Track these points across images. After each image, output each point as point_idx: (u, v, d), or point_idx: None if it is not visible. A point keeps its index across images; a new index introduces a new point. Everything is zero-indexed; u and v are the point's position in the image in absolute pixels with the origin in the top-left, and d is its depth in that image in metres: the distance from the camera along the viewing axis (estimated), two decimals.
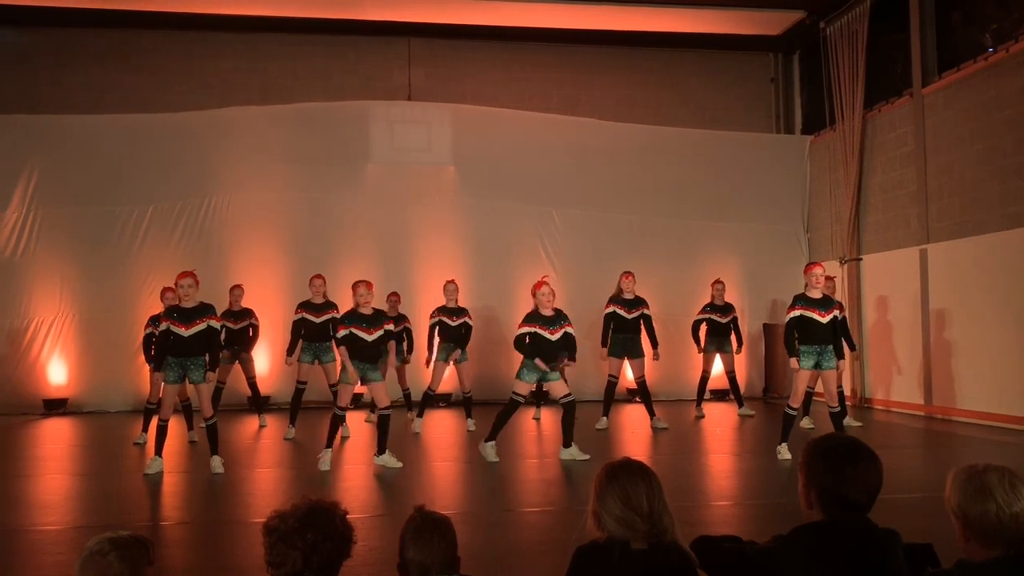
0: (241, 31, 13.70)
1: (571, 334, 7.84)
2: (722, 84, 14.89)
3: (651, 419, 9.96)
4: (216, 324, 7.64)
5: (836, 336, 7.90)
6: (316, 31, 13.83)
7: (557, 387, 7.83)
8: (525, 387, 7.86)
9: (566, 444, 7.75)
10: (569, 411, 7.72)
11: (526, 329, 7.80)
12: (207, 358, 7.51)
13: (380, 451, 7.56)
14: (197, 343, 7.44)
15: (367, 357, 7.66)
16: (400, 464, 7.52)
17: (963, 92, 10.66)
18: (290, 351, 9.69)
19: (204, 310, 7.52)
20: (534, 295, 7.87)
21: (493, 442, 7.75)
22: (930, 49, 11.46)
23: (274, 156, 12.89)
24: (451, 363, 9.90)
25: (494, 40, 14.17)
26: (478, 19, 13.60)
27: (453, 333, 9.96)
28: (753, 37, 14.57)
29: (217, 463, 7.39)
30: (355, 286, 7.79)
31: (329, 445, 7.60)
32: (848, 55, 12.60)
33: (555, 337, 7.70)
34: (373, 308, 7.83)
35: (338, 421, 7.80)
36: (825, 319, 7.83)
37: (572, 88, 14.57)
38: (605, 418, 9.96)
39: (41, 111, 12.76)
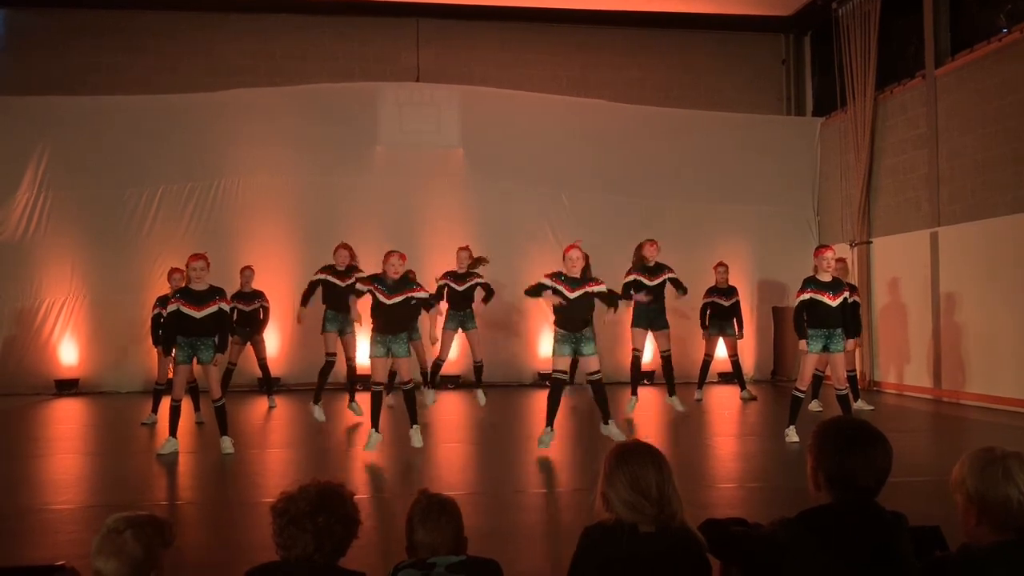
0: (249, 12, 13.65)
1: (600, 291, 7.47)
2: (733, 65, 14.76)
3: (669, 397, 9.76)
4: (227, 307, 7.66)
5: (846, 319, 7.88)
6: (324, 12, 13.78)
7: (591, 362, 7.51)
8: (561, 362, 7.56)
9: (604, 421, 7.52)
10: (597, 389, 7.51)
11: (546, 281, 7.56)
12: (216, 340, 7.53)
13: (412, 422, 7.46)
14: (208, 325, 7.47)
15: (389, 326, 7.39)
16: (421, 443, 7.44)
17: (976, 74, 10.56)
18: (303, 303, 9.41)
19: (214, 293, 7.54)
20: (563, 259, 7.59)
21: (551, 429, 7.43)
22: (943, 30, 11.35)
23: (282, 138, 12.89)
24: (459, 331, 9.89)
25: (503, 20, 14.08)
26: None
27: (460, 297, 9.91)
28: (764, 18, 14.44)
29: (227, 443, 7.43)
30: (386, 256, 7.51)
31: (375, 426, 7.32)
32: (860, 36, 12.48)
33: (573, 295, 7.41)
34: (408, 278, 7.65)
35: (377, 399, 7.42)
36: (835, 302, 7.81)
37: (581, 69, 14.49)
38: (634, 397, 9.61)
39: (50, 93, 12.76)
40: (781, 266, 13.44)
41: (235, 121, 12.83)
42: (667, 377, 9.88)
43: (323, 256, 10.01)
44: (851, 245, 12.73)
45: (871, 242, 12.57)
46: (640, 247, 9.74)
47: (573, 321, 7.46)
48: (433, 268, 12.07)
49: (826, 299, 7.80)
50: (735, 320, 10.96)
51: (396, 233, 12.81)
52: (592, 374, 7.57)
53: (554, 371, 7.61)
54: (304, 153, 12.94)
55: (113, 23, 13.45)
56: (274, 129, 12.87)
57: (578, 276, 7.51)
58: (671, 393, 9.80)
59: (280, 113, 12.91)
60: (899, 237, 11.97)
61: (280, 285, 12.06)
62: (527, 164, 13.28)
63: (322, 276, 9.41)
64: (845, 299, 7.85)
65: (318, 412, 9.26)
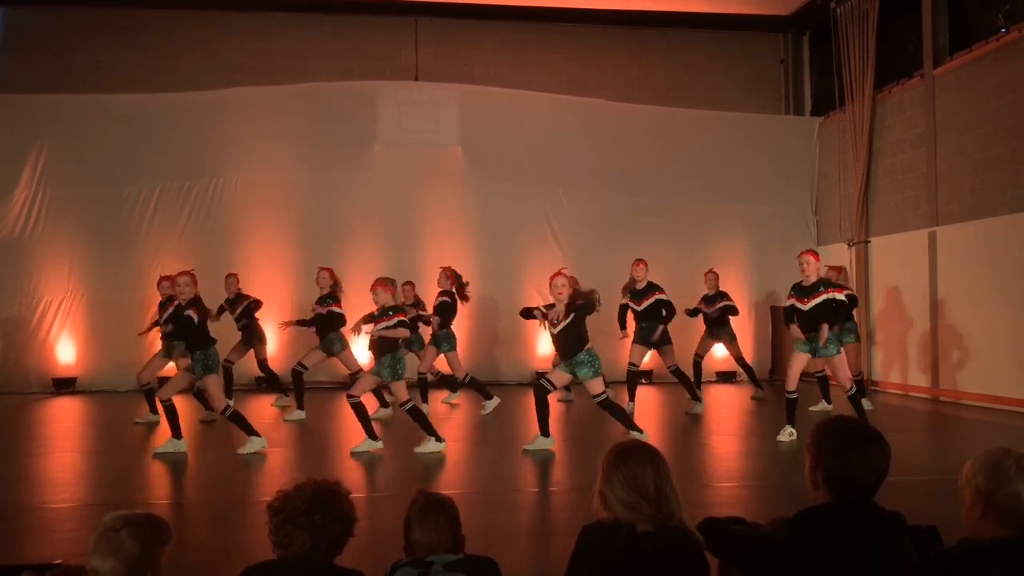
0: (248, 10, 13.65)
1: (576, 315, 7.32)
2: (731, 65, 14.77)
3: (693, 403, 9.81)
4: (190, 313, 7.44)
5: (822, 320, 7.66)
6: (324, 10, 13.77)
7: (591, 385, 7.47)
8: (556, 376, 7.56)
9: (635, 431, 7.48)
10: (607, 410, 7.50)
11: (534, 309, 7.64)
12: (188, 348, 7.54)
13: (428, 434, 7.37)
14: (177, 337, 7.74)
15: (374, 352, 7.53)
16: (426, 451, 7.38)
17: (975, 73, 10.56)
18: (300, 323, 9.70)
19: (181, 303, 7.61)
20: (550, 286, 7.57)
21: (545, 436, 7.43)
22: (942, 30, 11.36)
23: (281, 136, 12.88)
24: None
25: (502, 20, 14.08)
26: None
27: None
28: (763, 17, 14.45)
29: (256, 443, 7.35)
30: (371, 288, 7.66)
31: (369, 435, 7.39)
32: (858, 36, 12.49)
33: (557, 330, 7.40)
34: (387, 306, 7.59)
35: (359, 408, 7.48)
36: (807, 307, 7.78)
37: (581, 69, 14.48)
38: (631, 403, 9.59)
39: (50, 91, 12.74)
40: (779, 266, 13.40)
41: (234, 119, 12.82)
42: (684, 386, 9.90)
43: (322, 255, 10.00)
44: (849, 244, 12.74)
45: (869, 241, 12.57)
46: (631, 268, 9.79)
47: (562, 351, 7.49)
48: (431, 267, 12.08)
49: (799, 304, 7.83)
50: (725, 325, 10.72)
51: (395, 232, 12.83)
52: (595, 397, 7.50)
53: (543, 376, 7.61)
54: (303, 151, 12.93)
55: (113, 21, 13.43)
56: (273, 127, 12.86)
57: (564, 304, 7.37)
58: (692, 398, 9.84)
59: (279, 111, 12.89)
60: (897, 236, 11.97)
61: (278, 283, 12.06)
62: (527, 164, 13.27)
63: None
64: (822, 301, 7.71)
65: (298, 414, 9.43)
